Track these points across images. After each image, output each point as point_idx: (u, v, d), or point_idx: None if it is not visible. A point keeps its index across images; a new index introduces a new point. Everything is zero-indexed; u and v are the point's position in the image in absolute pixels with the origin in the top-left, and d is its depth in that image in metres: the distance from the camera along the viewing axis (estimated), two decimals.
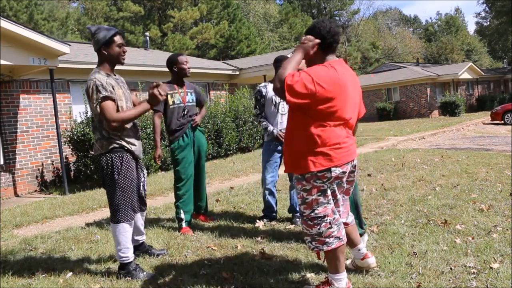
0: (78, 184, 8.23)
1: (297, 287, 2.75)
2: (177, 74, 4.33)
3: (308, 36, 2.54)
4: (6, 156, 8.25)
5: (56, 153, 8.69)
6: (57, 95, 8.30)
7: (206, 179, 7.36)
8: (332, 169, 2.46)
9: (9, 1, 19.56)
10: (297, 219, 4.25)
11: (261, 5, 37.71)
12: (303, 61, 2.63)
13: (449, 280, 2.71)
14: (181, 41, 23.69)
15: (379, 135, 14.53)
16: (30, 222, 5.30)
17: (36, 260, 3.62)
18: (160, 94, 2.99)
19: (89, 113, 8.11)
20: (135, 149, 3.11)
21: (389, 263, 3.01)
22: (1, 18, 6.63)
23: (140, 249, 3.49)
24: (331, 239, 2.49)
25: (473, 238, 3.45)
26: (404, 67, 27.98)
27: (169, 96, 4.25)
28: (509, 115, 17.80)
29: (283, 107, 4.26)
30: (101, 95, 2.91)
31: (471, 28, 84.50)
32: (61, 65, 8.15)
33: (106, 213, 5.42)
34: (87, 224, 4.83)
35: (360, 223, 3.28)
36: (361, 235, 3.24)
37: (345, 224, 2.74)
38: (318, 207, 2.48)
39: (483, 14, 50.58)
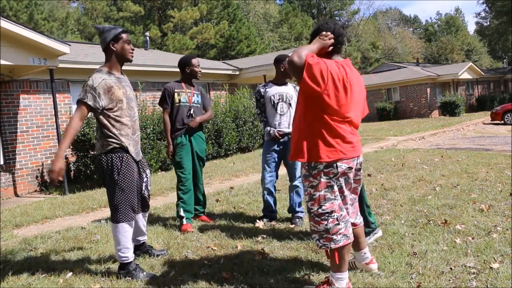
0: (78, 184, 8.23)
1: (297, 287, 2.75)
2: (188, 75, 4.45)
3: (329, 33, 2.57)
4: (6, 156, 8.25)
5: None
6: (57, 95, 8.30)
7: (206, 179, 7.41)
8: (339, 164, 2.49)
9: (9, 1, 19.57)
10: (297, 220, 4.25)
11: (261, 5, 37.71)
12: None
13: (449, 280, 2.71)
14: (181, 41, 23.69)
15: (379, 135, 14.53)
16: (30, 222, 5.30)
17: (36, 260, 3.62)
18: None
19: (90, 113, 8.12)
20: (133, 150, 3.11)
21: (389, 263, 3.01)
22: (1, 18, 6.63)
23: (140, 249, 3.49)
24: (339, 236, 2.51)
25: (473, 238, 3.44)
26: (404, 67, 27.99)
27: (175, 95, 4.35)
28: (509, 115, 17.79)
29: (282, 107, 4.27)
30: (79, 97, 2.99)
31: (471, 28, 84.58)
32: (61, 65, 8.15)
33: (106, 213, 5.42)
34: (92, 222, 4.83)
35: (367, 222, 3.36)
36: (367, 234, 3.31)
37: (354, 224, 2.75)
38: (325, 203, 2.51)
39: (483, 14, 50.63)
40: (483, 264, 2.92)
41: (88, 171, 7.88)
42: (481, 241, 3.36)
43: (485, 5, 44.40)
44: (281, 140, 4.25)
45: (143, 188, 3.28)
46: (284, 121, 4.27)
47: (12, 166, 8.30)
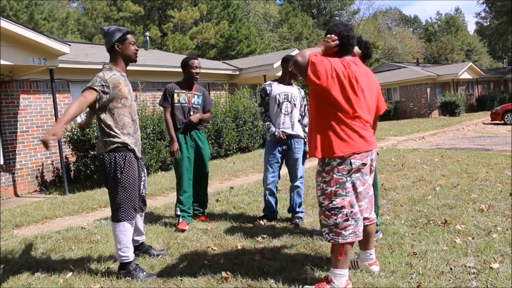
0: (78, 184, 8.23)
1: (297, 287, 2.75)
2: (187, 76, 4.48)
3: (332, 36, 2.67)
4: (6, 156, 8.25)
5: (56, 153, 8.69)
6: (57, 95, 8.30)
7: None
8: (352, 161, 2.55)
9: (9, 1, 19.56)
10: (297, 220, 4.25)
11: (261, 5, 37.68)
12: None
13: (449, 280, 2.71)
14: (181, 41, 23.67)
15: (379, 135, 14.53)
16: (30, 222, 5.30)
17: (36, 260, 3.62)
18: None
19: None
20: (136, 149, 3.13)
21: (389, 263, 3.02)
22: (1, 18, 6.63)
23: (140, 249, 3.49)
24: (347, 232, 2.56)
25: (473, 238, 3.45)
26: (404, 67, 27.97)
27: (175, 95, 4.38)
28: (509, 115, 17.79)
29: (286, 107, 4.25)
30: (88, 85, 3.00)
31: (471, 28, 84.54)
32: (61, 65, 8.15)
33: (106, 213, 5.42)
34: (92, 222, 4.83)
35: None
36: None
37: (367, 219, 2.80)
38: (336, 198, 2.57)
39: (483, 14, 50.61)
40: (483, 264, 2.92)
41: (88, 171, 7.88)
42: (481, 241, 3.36)
43: (485, 5, 44.40)
44: (284, 140, 4.24)
45: (142, 188, 3.29)
46: (288, 121, 4.25)
47: (12, 166, 8.30)
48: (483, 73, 27.74)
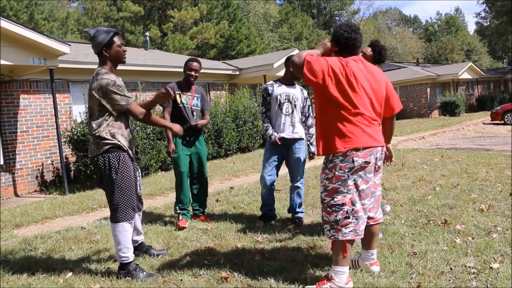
0: (78, 184, 8.23)
1: (297, 287, 2.74)
2: (184, 77, 4.50)
3: (328, 40, 2.81)
4: (6, 156, 8.25)
5: (56, 153, 8.69)
6: (57, 95, 8.30)
7: None
8: (355, 159, 2.57)
9: (9, 1, 19.55)
10: (297, 220, 4.25)
11: (261, 5, 37.67)
12: None
13: (449, 280, 2.71)
14: (181, 41, 23.66)
15: None
16: (30, 222, 5.30)
17: (36, 260, 3.62)
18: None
19: (85, 115, 8.12)
20: (130, 150, 3.12)
21: (389, 263, 3.02)
22: (1, 18, 6.63)
23: (139, 249, 3.49)
24: (348, 229, 2.58)
25: (473, 238, 3.45)
26: (404, 67, 27.97)
27: (177, 96, 4.38)
28: (509, 115, 17.80)
29: (287, 108, 4.24)
30: (131, 100, 3.04)
31: (471, 28, 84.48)
32: (61, 65, 8.15)
33: (106, 213, 5.42)
34: (92, 222, 4.83)
35: None
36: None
37: (372, 219, 2.82)
38: (337, 195, 2.60)
39: (483, 14, 50.56)
40: (483, 264, 2.92)
41: (88, 171, 7.88)
42: (481, 241, 3.36)
43: (485, 5, 44.38)
44: (279, 144, 4.23)
45: (138, 187, 3.29)
46: (288, 122, 4.23)
47: (12, 166, 8.30)
48: (483, 73, 27.73)
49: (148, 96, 10.80)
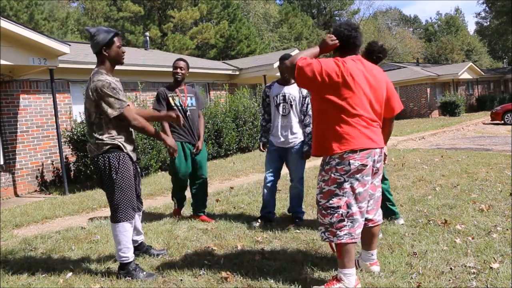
0: (78, 184, 8.23)
1: (297, 287, 2.75)
2: (173, 78, 4.56)
3: (332, 36, 2.73)
4: (6, 156, 8.24)
5: (56, 153, 8.69)
6: (57, 95, 8.29)
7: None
8: (351, 161, 2.53)
9: (9, 1, 19.55)
10: (297, 220, 4.26)
11: (261, 5, 37.67)
12: None
13: (449, 280, 2.71)
14: (181, 41, 23.66)
15: None
16: (30, 222, 5.30)
17: (36, 260, 3.62)
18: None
19: (83, 115, 8.11)
20: (129, 150, 3.12)
21: (389, 263, 3.02)
22: (1, 18, 6.63)
23: (139, 249, 3.49)
24: (342, 232, 2.54)
25: (473, 238, 3.45)
26: (404, 67, 27.97)
27: (170, 99, 4.44)
28: (509, 115, 17.80)
29: (284, 108, 4.23)
30: (124, 104, 2.98)
31: (471, 28, 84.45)
32: (61, 65, 8.15)
33: (106, 213, 5.42)
34: (91, 219, 4.83)
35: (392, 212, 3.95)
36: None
37: (372, 220, 2.78)
38: (333, 198, 2.57)
39: (483, 14, 50.53)
40: (483, 264, 2.92)
41: (88, 171, 7.87)
42: (481, 241, 3.36)
43: (485, 5, 44.36)
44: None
45: (138, 188, 3.29)
46: (285, 123, 4.22)
47: (12, 166, 8.30)
48: (483, 73, 27.73)
49: (148, 96, 10.81)
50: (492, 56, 55.55)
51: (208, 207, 5.08)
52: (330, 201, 2.57)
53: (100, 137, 3.01)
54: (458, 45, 51.60)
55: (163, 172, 8.87)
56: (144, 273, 3.07)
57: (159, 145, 8.68)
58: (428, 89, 23.70)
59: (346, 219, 2.55)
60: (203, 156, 4.60)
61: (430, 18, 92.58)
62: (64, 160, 8.11)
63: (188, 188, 4.70)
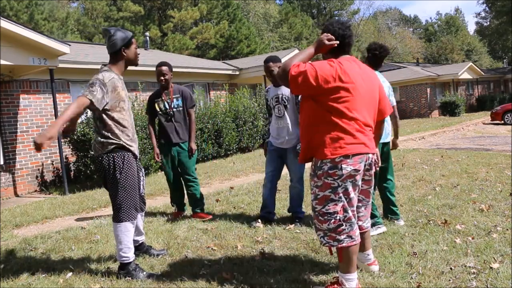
0: (78, 184, 8.23)
1: (297, 287, 2.74)
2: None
3: (328, 35, 2.59)
4: (6, 156, 8.24)
5: (56, 153, 8.69)
6: (57, 95, 8.30)
7: (206, 179, 7.41)
8: (343, 166, 2.45)
9: (9, 1, 19.55)
10: (297, 220, 4.25)
11: (261, 5, 37.68)
12: None
13: (449, 280, 2.71)
14: (181, 41, 23.66)
15: None
16: (30, 222, 5.30)
17: (36, 260, 3.62)
18: None
19: (89, 113, 8.11)
20: (134, 149, 3.13)
21: (389, 263, 3.01)
22: (1, 18, 6.63)
23: (139, 249, 3.49)
24: (342, 236, 2.50)
25: (473, 238, 3.45)
26: (404, 67, 27.96)
27: (156, 104, 4.63)
28: (509, 115, 17.80)
29: (279, 110, 4.23)
30: (85, 92, 2.88)
31: (471, 28, 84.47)
32: (61, 65, 8.15)
33: (106, 213, 5.43)
34: (92, 221, 4.83)
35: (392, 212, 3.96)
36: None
37: (361, 228, 2.72)
38: (329, 203, 2.51)
39: (483, 14, 50.54)
40: (483, 264, 2.92)
41: (88, 171, 7.88)
42: (481, 241, 3.36)
43: (485, 5, 44.37)
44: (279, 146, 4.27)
45: (141, 188, 3.29)
46: (282, 124, 4.22)
47: (12, 166, 8.30)
48: (483, 73, 27.74)
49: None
50: (492, 56, 55.56)
51: (208, 207, 5.09)
52: (326, 207, 2.50)
53: (104, 135, 3.01)
54: (458, 45, 51.61)
55: (163, 172, 8.86)
56: (144, 273, 3.07)
57: None
58: (428, 89, 23.70)
59: (344, 223, 2.49)
60: (188, 158, 4.64)
61: (430, 18, 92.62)
62: (64, 160, 8.12)
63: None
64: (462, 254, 3.11)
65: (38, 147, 2.58)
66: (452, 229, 3.70)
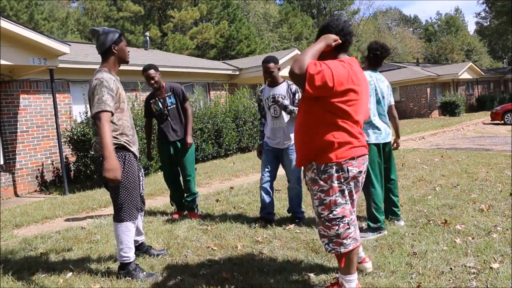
0: (78, 184, 8.23)
1: (297, 287, 2.74)
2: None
3: (336, 36, 2.49)
4: (6, 156, 8.25)
5: (56, 153, 8.69)
6: (57, 95, 8.30)
7: (206, 179, 7.41)
8: (349, 168, 2.42)
9: (9, 1, 19.56)
10: (297, 220, 4.26)
11: (261, 5, 37.70)
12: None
13: (449, 280, 2.71)
14: (181, 41, 23.67)
15: None
16: (30, 222, 5.30)
17: (36, 260, 3.62)
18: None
19: (89, 113, 8.13)
20: (134, 149, 3.13)
21: (389, 263, 3.01)
22: (1, 18, 6.63)
23: (140, 249, 3.49)
24: (349, 240, 2.46)
25: (473, 238, 3.45)
26: (404, 67, 27.96)
27: (151, 105, 4.69)
28: (509, 115, 17.80)
29: (275, 110, 4.22)
30: (104, 106, 2.85)
31: (471, 28, 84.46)
32: (61, 65, 8.15)
33: (106, 213, 5.43)
34: (92, 221, 4.83)
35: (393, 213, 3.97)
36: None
37: None
38: (337, 208, 2.44)
39: (483, 14, 50.56)
40: (483, 264, 2.92)
41: (88, 171, 7.88)
42: (481, 241, 3.36)
43: (485, 5, 44.38)
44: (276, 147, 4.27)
45: (141, 188, 3.29)
46: (278, 124, 4.21)
47: (12, 166, 8.30)
48: (483, 73, 27.74)
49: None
50: (492, 56, 55.57)
51: (208, 207, 5.09)
52: (334, 212, 2.44)
53: None
54: (458, 45, 51.63)
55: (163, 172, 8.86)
56: (144, 273, 3.07)
57: None
58: (428, 89, 23.70)
59: (351, 226, 2.47)
60: (186, 156, 4.65)
61: (430, 18, 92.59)
62: (64, 160, 8.12)
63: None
64: (462, 254, 3.11)
65: (116, 181, 2.78)
66: (452, 229, 3.70)
